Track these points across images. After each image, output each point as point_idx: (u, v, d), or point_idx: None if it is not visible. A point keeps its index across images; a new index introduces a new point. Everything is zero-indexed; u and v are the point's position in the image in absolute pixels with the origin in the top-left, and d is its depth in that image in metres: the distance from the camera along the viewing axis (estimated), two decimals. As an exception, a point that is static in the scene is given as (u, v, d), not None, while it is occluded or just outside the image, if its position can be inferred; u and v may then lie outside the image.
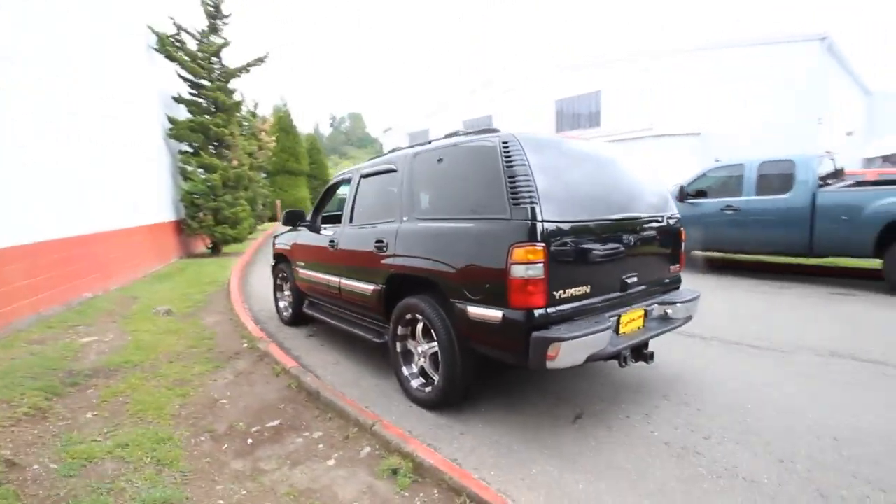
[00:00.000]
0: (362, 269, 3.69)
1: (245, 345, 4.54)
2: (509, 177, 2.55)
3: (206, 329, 5.22)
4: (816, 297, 5.68)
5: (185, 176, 10.75)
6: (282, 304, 5.65)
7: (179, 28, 10.31)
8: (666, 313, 3.16)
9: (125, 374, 3.74)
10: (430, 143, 3.48)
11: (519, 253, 2.41)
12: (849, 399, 3.05)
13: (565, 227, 2.54)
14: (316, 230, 4.69)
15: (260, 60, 11.18)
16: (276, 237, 5.96)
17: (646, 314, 3.02)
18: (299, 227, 5.15)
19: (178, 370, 3.86)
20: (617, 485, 2.23)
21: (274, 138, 17.07)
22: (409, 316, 3.19)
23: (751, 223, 6.55)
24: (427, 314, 2.96)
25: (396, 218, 3.35)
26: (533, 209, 2.44)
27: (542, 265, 2.41)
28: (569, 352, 2.38)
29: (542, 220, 2.43)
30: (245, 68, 11.18)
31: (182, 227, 10.88)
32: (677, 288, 3.45)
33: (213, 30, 10.93)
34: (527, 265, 2.40)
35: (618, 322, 2.77)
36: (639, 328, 2.96)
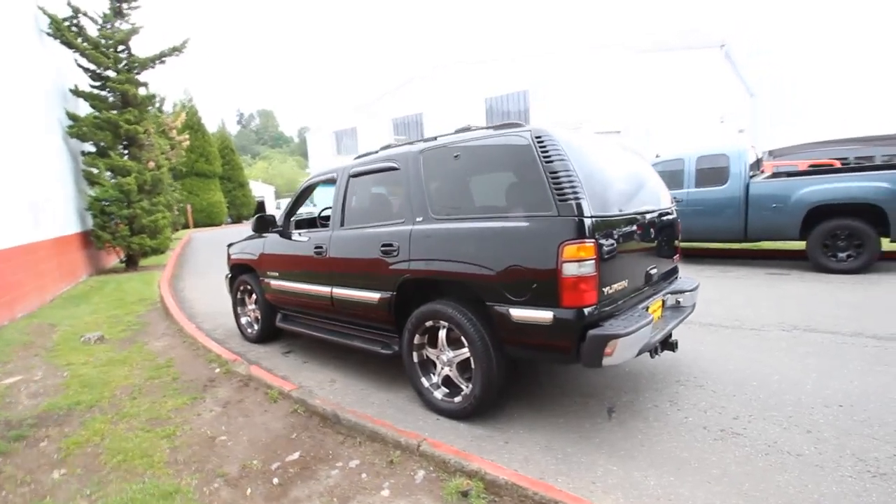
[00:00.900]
0: (365, 275, 3.41)
1: (218, 370, 4.02)
2: (551, 172, 2.46)
3: (158, 356, 4.55)
4: (757, 277, 6.32)
5: (92, 180, 9.37)
6: (244, 319, 5.11)
7: (76, 11, 8.94)
8: (678, 302, 3.29)
9: (82, 419, 3.12)
10: (435, 139, 3.30)
11: (570, 250, 2.33)
12: (828, 367, 3.38)
13: (606, 221, 2.52)
14: (288, 236, 4.29)
15: (176, 50, 10.04)
16: (230, 246, 5.39)
17: (663, 304, 3.12)
18: (265, 235, 4.69)
19: (147, 407, 3.30)
20: (684, 475, 2.25)
21: (187, 136, 15.47)
22: (429, 323, 3.00)
23: (693, 213, 7.12)
24: (456, 320, 2.79)
25: (407, 219, 3.13)
26: (579, 205, 2.38)
27: (593, 262, 2.36)
28: (625, 347, 2.37)
29: (591, 216, 2.39)
30: (159, 58, 9.99)
31: (91, 240, 9.48)
32: (677, 277, 3.61)
33: (118, 14, 9.63)
34: (579, 262, 2.33)
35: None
36: (660, 318, 3.04)
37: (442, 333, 2.97)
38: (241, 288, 5.03)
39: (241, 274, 5.03)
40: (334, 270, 3.66)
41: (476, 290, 2.72)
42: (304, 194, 4.40)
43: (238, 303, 5.14)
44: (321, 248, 3.76)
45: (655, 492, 2.14)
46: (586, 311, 2.37)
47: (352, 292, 3.52)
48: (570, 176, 2.44)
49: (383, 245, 3.20)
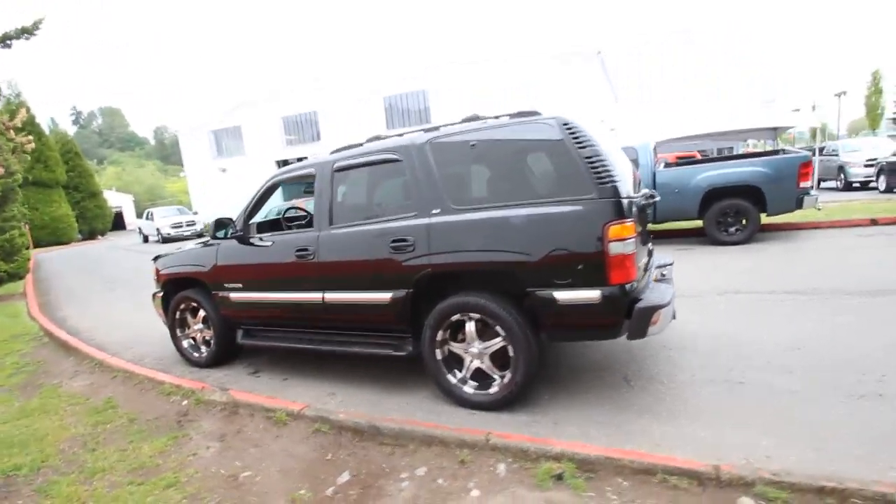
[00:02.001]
0: (370, 276, 3.19)
1: (185, 402, 3.43)
2: (586, 157, 2.57)
3: (88, 397, 3.75)
4: (669, 253, 7.22)
5: (-87, 193, 7.26)
6: (186, 343, 4.43)
7: None
8: (663, 275, 3.64)
9: (35, 486, 2.45)
10: (437, 128, 3.21)
11: (615, 230, 2.47)
12: (766, 320, 4.02)
13: (633, 202, 2.69)
14: (247, 241, 3.83)
15: (27, 32, 8.20)
16: (158, 259, 4.64)
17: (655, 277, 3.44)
18: (211, 242, 4.13)
19: (118, 458, 2.70)
20: (724, 424, 2.51)
21: (30, 138, 12.65)
22: (456, 317, 2.92)
23: (610, 200, 7.89)
24: (490, 310, 2.76)
25: (420, 212, 2.99)
26: (616, 187, 2.52)
27: (633, 240, 2.52)
28: (666, 316, 2.58)
29: (626, 197, 2.54)
30: (2, 41, 8.07)
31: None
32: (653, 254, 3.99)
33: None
34: (623, 241, 2.48)
35: (651, 286, 3.07)
36: None
37: (470, 326, 2.92)
38: (182, 306, 4.35)
39: (181, 290, 4.35)
40: (327, 274, 3.36)
41: (514, 277, 2.72)
42: (268, 193, 3.95)
43: (178, 324, 4.43)
44: (306, 250, 3.42)
45: (713, 441, 2.37)
46: (629, 286, 2.53)
47: (354, 295, 3.27)
48: (602, 160, 2.57)
49: (394, 241, 3.02)
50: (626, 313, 2.54)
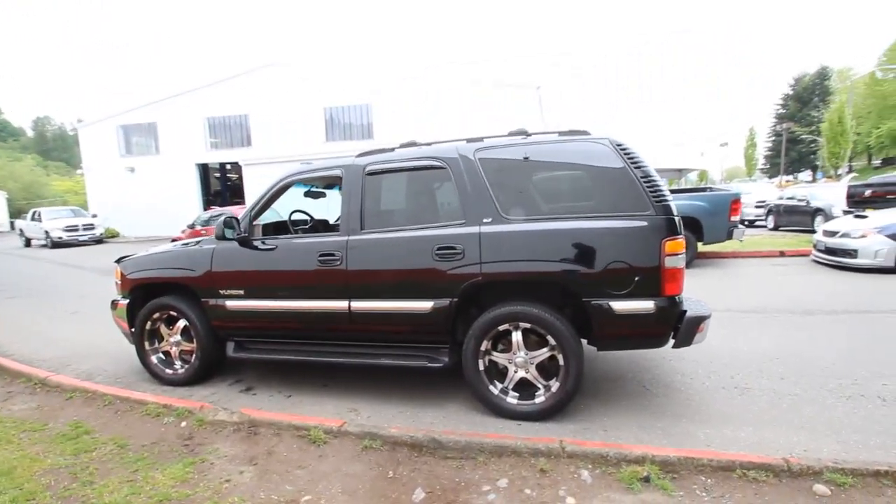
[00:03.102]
0: (410, 284, 3.08)
1: (184, 423, 3.00)
2: (642, 176, 2.75)
3: (44, 422, 3.14)
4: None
5: None
6: (156, 357, 3.90)
7: None
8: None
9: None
10: (481, 139, 3.24)
11: (671, 245, 2.67)
12: (739, 335, 4.48)
13: (680, 220, 2.91)
14: (252, 244, 3.52)
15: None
16: (122, 260, 4.07)
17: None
18: (203, 242, 3.75)
19: (129, 489, 2.29)
20: (754, 424, 2.78)
21: None
22: (503, 326, 2.93)
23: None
24: (545, 319, 2.81)
25: (469, 220, 2.98)
26: (669, 205, 2.73)
27: (684, 255, 2.74)
28: (708, 326, 2.81)
29: (677, 215, 2.76)
30: None
31: None
32: None
33: None
34: (676, 256, 2.68)
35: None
36: None
37: (516, 336, 2.93)
38: (156, 315, 3.83)
39: (155, 297, 3.83)
40: (357, 281, 3.19)
41: (569, 287, 2.80)
42: (279, 193, 3.65)
43: (147, 336, 3.88)
44: (332, 255, 3.22)
45: (754, 440, 2.60)
46: (678, 298, 2.73)
47: (388, 304, 3.13)
48: (655, 180, 2.78)
49: (440, 248, 2.97)
50: (677, 322, 2.74)
